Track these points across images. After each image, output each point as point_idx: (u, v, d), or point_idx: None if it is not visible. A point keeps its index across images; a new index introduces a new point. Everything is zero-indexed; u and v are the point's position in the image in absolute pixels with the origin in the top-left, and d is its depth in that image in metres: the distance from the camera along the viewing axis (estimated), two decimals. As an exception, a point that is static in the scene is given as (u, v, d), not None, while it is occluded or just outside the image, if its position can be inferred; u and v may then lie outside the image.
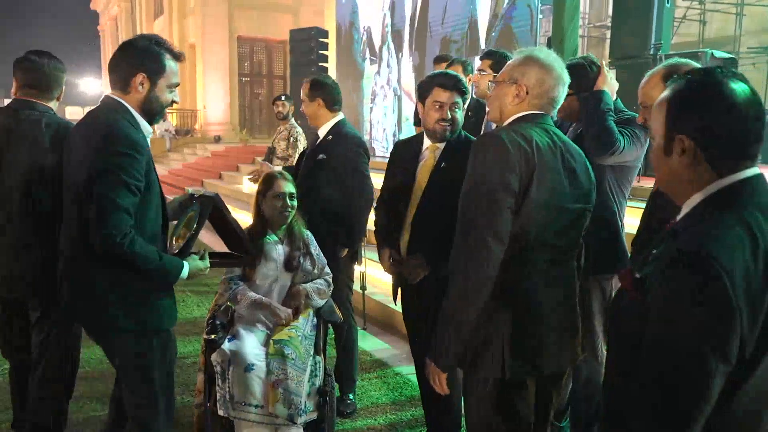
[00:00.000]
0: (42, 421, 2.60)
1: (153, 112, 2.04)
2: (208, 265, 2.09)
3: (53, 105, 2.53)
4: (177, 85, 2.09)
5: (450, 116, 2.39)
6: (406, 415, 3.21)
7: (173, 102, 2.10)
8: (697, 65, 1.88)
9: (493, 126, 2.26)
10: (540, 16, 7.21)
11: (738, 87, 1.12)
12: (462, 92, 2.41)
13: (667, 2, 5.53)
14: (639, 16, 5.49)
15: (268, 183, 2.73)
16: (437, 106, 2.40)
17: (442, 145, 2.46)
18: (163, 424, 2.13)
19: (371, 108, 10.55)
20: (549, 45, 6.57)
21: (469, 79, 3.81)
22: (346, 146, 3.09)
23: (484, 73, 3.38)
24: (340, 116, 3.21)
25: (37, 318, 2.56)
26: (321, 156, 3.08)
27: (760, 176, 1.15)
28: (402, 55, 9.68)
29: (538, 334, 1.77)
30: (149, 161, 1.95)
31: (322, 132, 3.17)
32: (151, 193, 1.96)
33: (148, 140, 2.04)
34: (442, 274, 2.13)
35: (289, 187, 2.71)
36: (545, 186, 1.72)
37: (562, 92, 1.85)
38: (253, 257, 2.32)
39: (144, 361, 2.05)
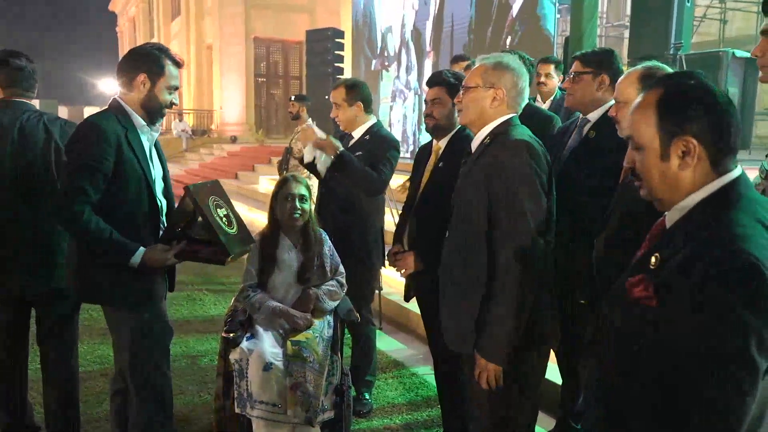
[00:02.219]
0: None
1: (153, 110, 2.23)
2: (170, 258, 2.15)
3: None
4: (176, 88, 2.28)
5: (429, 111, 2.49)
6: (422, 416, 3.20)
7: (172, 103, 2.28)
8: (670, 71, 1.99)
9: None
10: (557, 15, 7.16)
11: (717, 89, 1.18)
12: (444, 86, 2.45)
13: (688, 1, 5.46)
14: (659, 16, 5.42)
15: (280, 184, 2.71)
16: (426, 103, 2.56)
17: (443, 145, 2.50)
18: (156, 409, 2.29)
19: (391, 106, 10.54)
20: (567, 44, 6.53)
21: None
22: (383, 145, 3.07)
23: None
24: (374, 118, 3.20)
25: (54, 321, 2.63)
26: (358, 153, 3.05)
27: (744, 172, 1.19)
28: (424, 56, 9.66)
29: (553, 308, 2.02)
30: (123, 149, 2.12)
31: (357, 133, 3.14)
32: (125, 178, 2.12)
33: (143, 134, 2.23)
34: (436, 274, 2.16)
35: (300, 190, 2.67)
36: (553, 181, 1.96)
37: (528, 92, 2.08)
38: (222, 261, 2.20)
39: (120, 334, 2.26)
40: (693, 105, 1.15)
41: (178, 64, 2.26)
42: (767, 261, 1.01)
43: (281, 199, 2.66)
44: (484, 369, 1.89)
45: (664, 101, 1.17)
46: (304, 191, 2.68)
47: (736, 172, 1.17)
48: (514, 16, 7.75)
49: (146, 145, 2.24)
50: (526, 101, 2.08)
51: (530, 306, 1.85)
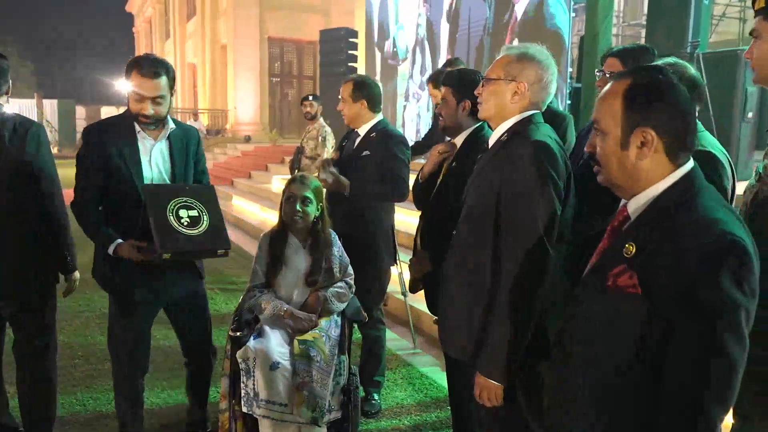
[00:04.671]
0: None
1: (134, 117, 2.47)
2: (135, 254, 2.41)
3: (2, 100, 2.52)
4: (145, 97, 2.40)
5: (440, 111, 2.48)
6: (431, 417, 3.18)
7: (143, 113, 2.42)
8: (692, 69, 2.01)
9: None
10: (572, 14, 7.07)
11: (682, 86, 1.23)
12: (449, 85, 2.43)
13: (705, -1, 5.38)
14: (675, 14, 5.35)
15: (287, 184, 2.69)
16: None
17: (459, 143, 2.47)
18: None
19: (405, 106, 10.50)
20: (582, 44, 6.46)
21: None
22: (391, 142, 3.08)
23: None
24: (380, 116, 3.20)
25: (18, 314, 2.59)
26: (365, 152, 3.07)
27: (696, 164, 1.26)
28: (439, 55, 9.58)
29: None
30: (103, 152, 2.42)
31: (363, 131, 3.15)
32: (111, 179, 2.43)
33: (139, 138, 2.49)
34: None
35: (303, 191, 2.62)
36: (572, 187, 1.82)
37: (555, 86, 1.91)
38: (152, 258, 2.36)
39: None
40: (657, 99, 1.21)
41: (142, 74, 2.37)
42: (745, 238, 1.10)
43: (284, 199, 2.65)
44: (484, 387, 1.78)
45: (631, 92, 1.22)
46: (308, 194, 2.63)
47: (691, 163, 1.24)
48: (518, 17, 7.70)
49: (142, 149, 2.48)
50: (552, 97, 1.92)
51: (535, 320, 1.72)
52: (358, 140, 3.16)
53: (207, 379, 2.88)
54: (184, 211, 2.40)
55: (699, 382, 1.08)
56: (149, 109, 2.41)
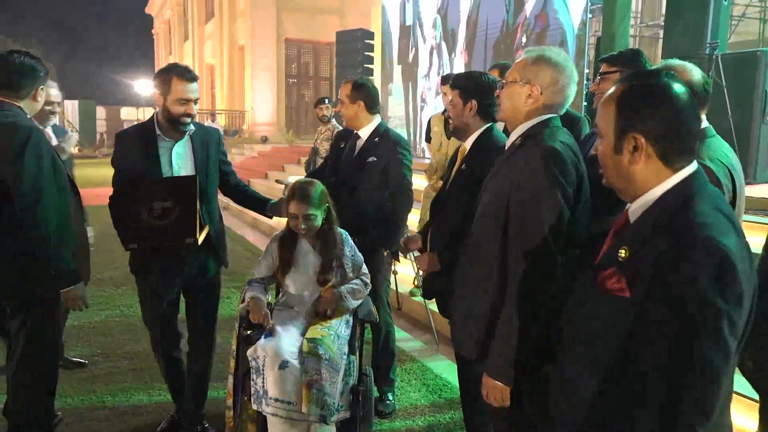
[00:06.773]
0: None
1: (170, 120, 2.64)
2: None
3: (24, 104, 2.44)
4: (188, 100, 2.59)
5: (449, 114, 2.53)
6: (445, 418, 3.18)
7: (188, 114, 2.62)
8: (698, 70, 2.00)
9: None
10: (589, 15, 7.03)
11: (681, 89, 1.20)
12: (456, 88, 2.45)
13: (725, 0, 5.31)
14: (694, 14, 5.28)
15: (288, 196, 2.67)
16: None
17: (468, 146, 2.48)
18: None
19: (422, 107, 10.48)
20: (598, 45, 6.42)
21: None
22: (396, 149, 3.12)
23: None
24: (378, 119, 3.22)
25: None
26: (372, 159, 3.09)
27: (699, 167, 1.24)
28: (455, 56, 9.56)
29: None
30: (128, 155, 2.65)
31: (364, 134, 3.17)
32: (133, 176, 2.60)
33: (159, 141, 2.68)
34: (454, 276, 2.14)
35: (305, 211, 2.59)
36: (584, 192, 1.80)
37: (574, 90, 1.88)
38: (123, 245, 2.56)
39: None
40: (648, 104, 1.20)
41: (186, 79, 2.56)
42: (732, 246, 1.08)
43: (288, 214, 2.66)
44: (490, 388, 1.80)
45: (625, 97, 1.23)
46: (311, 211, 2.60)
47: (692, 167, 1.22)
48: (528, 14, 7.72)
49: (161, 151, 2.64)
50: (570, 100, 1.90)
51: (542, 323, 1.70)
52: (360, 144, 3.18)
53: (204, 376, 2.93)
54: (158, 203, 2.53)
55: (675, 387, 1.07)
56: (194, 110, 2.62)
